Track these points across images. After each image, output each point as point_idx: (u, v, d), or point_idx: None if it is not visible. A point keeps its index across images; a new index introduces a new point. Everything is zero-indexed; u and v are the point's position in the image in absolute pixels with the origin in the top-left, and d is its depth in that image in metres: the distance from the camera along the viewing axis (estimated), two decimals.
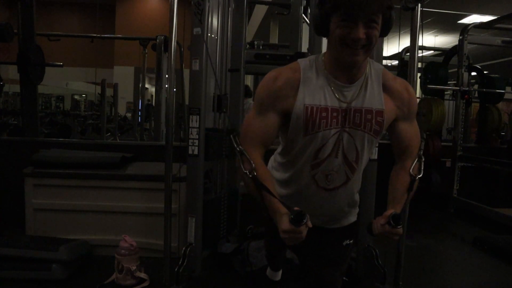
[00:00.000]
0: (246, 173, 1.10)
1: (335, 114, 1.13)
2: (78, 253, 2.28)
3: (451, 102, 5.86)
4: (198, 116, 2.15)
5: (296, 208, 0.99)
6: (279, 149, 1.31)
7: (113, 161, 2.62)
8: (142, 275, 2.14)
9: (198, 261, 2.22)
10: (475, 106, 5.37)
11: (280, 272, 2.13)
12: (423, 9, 2.08)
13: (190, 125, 2.16)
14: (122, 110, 9.97)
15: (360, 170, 1.24)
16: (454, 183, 4.08)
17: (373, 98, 1.15)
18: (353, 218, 1.36)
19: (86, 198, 2.50)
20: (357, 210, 1.37)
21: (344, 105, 1.14)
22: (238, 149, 1.14)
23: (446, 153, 4.21)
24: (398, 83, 1.20)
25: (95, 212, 2.50)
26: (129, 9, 12.19)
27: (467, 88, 4.07)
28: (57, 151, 2.78)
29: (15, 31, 3.79)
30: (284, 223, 1.00)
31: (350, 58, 1.07)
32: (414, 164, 1.22)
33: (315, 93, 1.13)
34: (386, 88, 1.18)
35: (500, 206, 3.73)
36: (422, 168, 1.23)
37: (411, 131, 1.24)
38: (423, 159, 1.24)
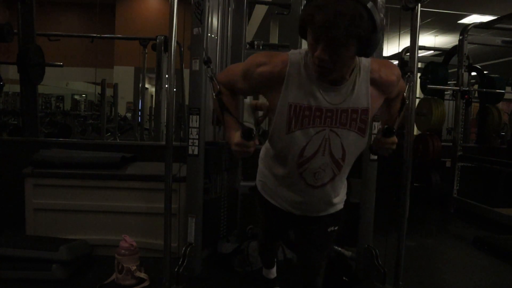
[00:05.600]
0: (213, 94, 1.23)
1: (318, 113, 1.16)
2: (78, 253, 2.28)
3: (451, 102, 5.85)
4: (198, 116, 2.15)
5: (247, 126, 1.13)
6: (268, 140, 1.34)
7: (113, 161, 2.62)
8: (142, 275, 2.14)
9: (198, 261, 2.22)
10: (475, 106, 5.36)
11: (274, 269, 2.13)
12: (423, 9, 2.08)
13: (190, 125, 2.16)
14: (122, 110, 9.95)
15: (346, 166, 1.28)
16: (454, 183, 4.08)
17: (360, 97, 1.18)
18: (339, 206, 1.41)
19: (86, 198, 2.50)
20: (344, 198, 1.43)
21: (330, 106, 1.16)
22: (210, 75, 1.25)
23: (446, 153, 4.21)
24: (384, 71, 1.21)
25: (95, 212, 2.50)
26: (129, 9, 12.16)
27: (467, 88, 4.07)
28: (57, 151, 2.78)
29: (15, 31, 3.79)
30: (236, 137, 1.14)
31: (316, 74, 1.11)
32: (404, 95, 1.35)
33: (300, 91, 1.15)
34: (374, 81, 1.19)
35: (500, 206, 3.73)
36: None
37: (399, 101, 1.35)
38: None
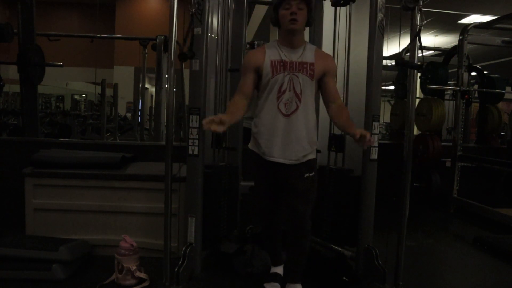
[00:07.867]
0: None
1: (286, 64, 1.88)
2: (78, 253, 2.28)
3: (451, 102, 5.85)
4: (198, 116, 2.15)
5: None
6: (258, 98, 1.98)
7: (113, 161, 2.62)
8: (142, 275, 2.14)
9: (198, 261, 2.23)
10: (475, 106, 5.37)
11: (281, 269, 2.13)
12: (423, 9, 2.08)
13: (190, 125, 2.16)
14: (122, 110, 9.95)
15: (305, 104, 1.89)
16: (454, 183, 4.08)
17: (308, 56, 1.91)
18: (311, 155, 1.95)
19: (86, 198, 2.50)
20: (315, 151, 1.97)
21: (291, 60, 1.89)
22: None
23: (446, 153, 4.21)
24: (324, 54, 2.01)
25: (95, 212, 2.50)
26: (129, 9, 12.17)
27: (467, 88, 4.07)
28: (57, 151, 2.78)
29: (15, 31, 3.80)
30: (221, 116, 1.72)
31: (291, 25, 1.82)
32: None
33: (275, 54, 1.90)
34: (316, 56, 1.93)
35: (500, 206, 3.73)
36: None
37: (334, 85, 1.97)
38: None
